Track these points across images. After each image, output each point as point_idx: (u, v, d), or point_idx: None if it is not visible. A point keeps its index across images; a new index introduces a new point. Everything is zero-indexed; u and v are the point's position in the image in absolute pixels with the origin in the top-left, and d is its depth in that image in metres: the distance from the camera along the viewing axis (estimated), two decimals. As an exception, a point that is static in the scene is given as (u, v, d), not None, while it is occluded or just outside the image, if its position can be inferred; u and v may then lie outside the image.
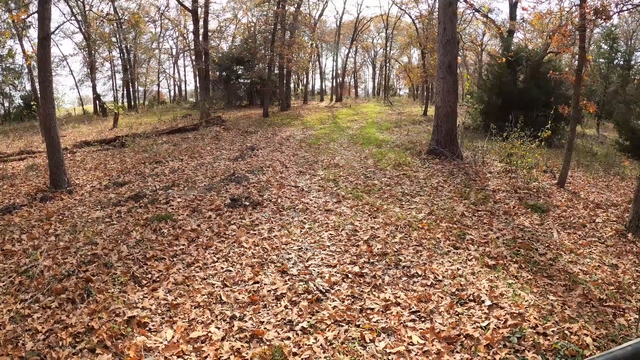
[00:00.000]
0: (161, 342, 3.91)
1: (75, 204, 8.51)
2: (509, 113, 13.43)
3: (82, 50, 38.25)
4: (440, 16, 12.43)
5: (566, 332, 4.05)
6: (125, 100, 41.95)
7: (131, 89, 41.47)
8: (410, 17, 32.44)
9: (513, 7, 26.14)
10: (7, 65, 31.37)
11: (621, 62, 24.36)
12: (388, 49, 47.91)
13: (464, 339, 3.96)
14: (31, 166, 12.43)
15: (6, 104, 35.77)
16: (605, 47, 24.40)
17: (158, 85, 53.48)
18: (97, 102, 35.40)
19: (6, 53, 28.24)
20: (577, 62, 10.15)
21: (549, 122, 11.04)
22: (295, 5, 29.49)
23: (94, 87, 35.88)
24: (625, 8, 9.16)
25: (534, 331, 4.05)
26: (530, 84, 17.36)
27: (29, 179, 10.76)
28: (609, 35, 23.95)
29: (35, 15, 10.47)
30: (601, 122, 25.16)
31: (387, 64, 51.67)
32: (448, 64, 12.12)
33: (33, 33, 25.40)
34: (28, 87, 32.07)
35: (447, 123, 12.29)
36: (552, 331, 4.05)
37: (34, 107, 21.48)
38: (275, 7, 27.58)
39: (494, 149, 12.53)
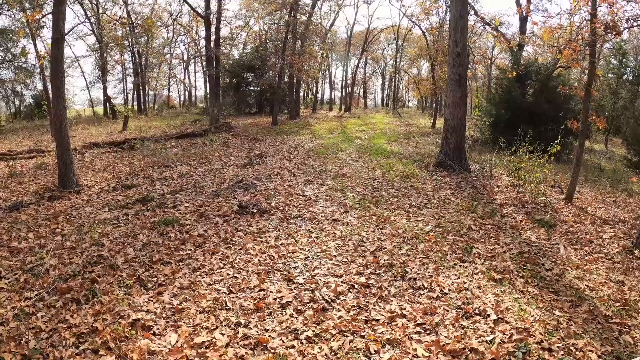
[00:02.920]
0: (165, 346, 3.91)
1: (82, 204, 8.55)
2: (517, 127, 13.40)
3: (94, 52, 38.56)
4: (451, 29, 12.46)
5: (571, 347, 4.03)
6: (135, 103, 42.21)
7: (141, 93, 41.66)
8: (421, 29, 32.50)
9: (523, 20, 26.15)
10: (20, 64, 31.59)
11: (630, 78, 24.22)
12: (398, 60, 48.04)
13: (469, 352, 3.94)
14: (40, 165, 12.50)
15: (17, 103, 36.06)
16: (615, 62, 24.34)
17: (168, 89, 53.81)
18: (108, 104, 35.59)
19: (19, 52, 28.43)
20: (586, 77, 10.13)
21: (559, 137, 11.00)
22: (307, 15, 29.62)
23: (104, 89, 36.09)
24: (635, 24, 9.14)
25: (539, 346, 4.03)
26: (540, 98, 17.33)
27: (37, 178, 10.83)
28: (619, 50, 23.89)
29: (49, 15, 10.58)
30: (610, 138, 25.06)
31: (397, 75, 51.77)
32: (458, 76, 12.13)
33: (47, 33, 25.61)
34: (39, 86, 32.29)
35: (455, 136, 12.29)
36: (558, 347, 4.04)
37: (45, 106, 21.65)
38: (287, 16, 27.73)
39: (502, 162, 12.49)
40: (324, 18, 41.15)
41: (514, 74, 15.01)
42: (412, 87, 56.13)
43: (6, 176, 11.00)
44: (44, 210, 8.11)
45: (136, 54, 39.09)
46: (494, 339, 4.14)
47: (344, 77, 53.34)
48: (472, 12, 24.44)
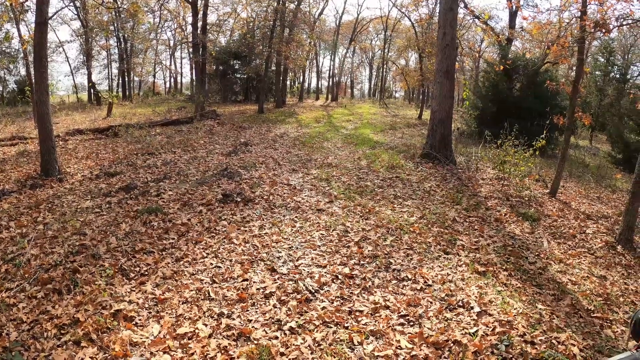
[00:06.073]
0: (147, 337, 3.87)
1: (65, 192, 8.45)
2: (503, 121, 13.46)
3: (79, 37, 37.97)
4: (441, 21, 12.43)
5: (554, 341, 4.07)
6: (120, 89, 41.67)
7: (127, 79, 41.18)
8: (410, 20, 32.45)
9: (513, 15, 26.27)
10: (3, 48, 31.02)
11: (617, 76, 24.44)
12: (386, 50, 47.94)
13: (452, 344, 3.96)
14: (22, 152, 12.33)
15: (0, 88, 35.45)
16: (602, 59, 24.49)
17: (154, 76, 53.16)
18: (92, 90, 35.14)
19: (3, 37, 27.95)
20: (574, 72, 10.19)
21: (544, 132, 11.06)
22: (296, 3, 29.40)
23: (89, 75, 35.62)
24: (625, 23, 9.19)
25: (522, 339, 4.06)
26: (526, 93, 17.44)
27: (19, 165, 10.67)
28: (606, 48, 24.04)
29: (34, -1, 10.36)
30: (595, 134, 25.31)
31: (384, 66, 51.67)
32: (446, 69, 12.12)
33: (30, 17, 25.19)
34: (23, 71, 31.80)
35: (442, 128, 12.30)
36: (540, 340, 4.07)
37: (28, 92, 21.30)
38: (275, 4, 27.48)
39: (488, 155, 12.56)
40: (313, 6, 40.88)
41: (502, 68, 15.06)
42: (399, 78, 56.07)
43: (-13, 163, 10.85)
44: (25, 199, 8.00)
45: (122, 40, 38.58)
46: (477, 331, 4.17)
47: (332, 67, 53.15)
48: (461, 5, 24.44)
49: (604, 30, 8.89)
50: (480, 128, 17.54)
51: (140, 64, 44.32)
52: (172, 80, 57.45)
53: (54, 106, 24.48)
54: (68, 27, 53.27)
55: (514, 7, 24.88)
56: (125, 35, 37.64)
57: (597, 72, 24.22)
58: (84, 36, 35.36)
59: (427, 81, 28.03)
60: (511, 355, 3.83)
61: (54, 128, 10.47)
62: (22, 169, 10.31)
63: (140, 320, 4.15)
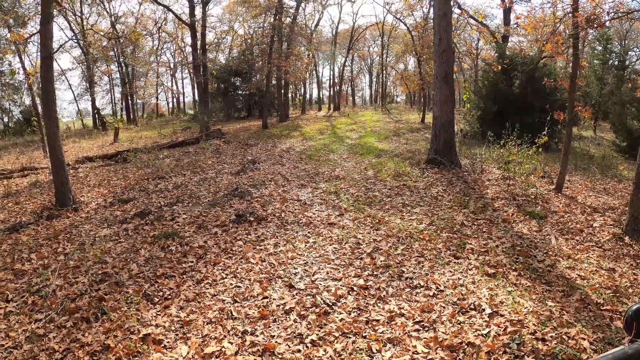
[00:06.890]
0: (177, 359, 4.05)
1: (81, 221, 8.66)
2: (505, 119, 13.58)
3: (81, 64, 38.51)
4: (436, 27, 12.60)
5: (564, 336, 4.19)
6: (124, 113, 42.16)
7: (130, 102, 41.66)
8: (406, 25, 32.57)
9: (507, 12, 26.36)
10: (7, 80, 31.50)
11: (616, 63, 24.47)
12: (384, 56, 48.10)
13: (466, 346, 4.11)
14: (34, 183, 12.58)
15: (5, 119, 35.96)
16: (600, 48, 24.52)
17: (156, 97, 53.76)
18: (97, 116, 35.60)
19: (8, 72, 28.40)
20: (571, 67, 10.32)
21: (546, 128, 11.18)
22: (292, 17, 29.67)
23: (93, 101, 36.15)
24: (616, 16, 9.32)
25: (533, 337, 4.20)
26: (526, 89, 17.50)
27: (33, 197, 10.91)
28: (603, 36, 24.05)
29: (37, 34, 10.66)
30: (598, 123, 25.29)
31: (384, 72, 51.84)
32: (444, 74, 12.28)
33: (32, 48, 25.73)
34: (27, 101, 32.29)
35: (444, 132, 12.45)
36: (551, 336, 4.20)
37: (34, 122, 21.68)
38: (272, 19, 27.76)
39: (492, 156, 12.67)
40: (309, 19, 41.27)
41: (499, 67, 15.18)
42: (399, 83, 56.22)
43: (1, 196, 11.08)
44: (43, 230, 8.21)
45: (123, 64, 39.07)
46: (489, 332, 4.31)
47: (332, 76, 53.56)
48: (455, 7, 24.64)
49: (595, 26, 9.04)
50: (483, 128, 17.63)
51: (143, 87, 44.85)
52: (175, 100, 58.07)
53: (60, 134, 24.84)
54: (69, 55, 54.00)
55: (507, 5, 25.08)
56: (127, 60, 38.14)
57: (595, 61, 24.23)
58: (85, 63, 35.86)
59: (428, 85, 28.16)
60: (523, 353, 3.97)
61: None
62: (36, 200, 10.55)
63: (168, 342, 4.33)
